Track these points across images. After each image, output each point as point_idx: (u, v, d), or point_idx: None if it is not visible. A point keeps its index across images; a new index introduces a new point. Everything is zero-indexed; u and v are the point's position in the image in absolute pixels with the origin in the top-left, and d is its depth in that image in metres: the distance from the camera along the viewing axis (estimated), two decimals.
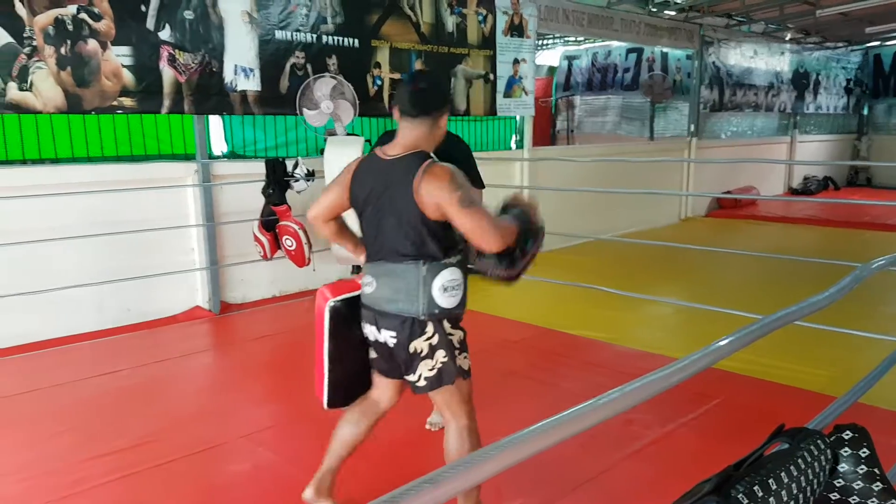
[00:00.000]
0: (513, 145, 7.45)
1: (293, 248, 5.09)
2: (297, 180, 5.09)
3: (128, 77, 4.35)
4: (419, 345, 2.18)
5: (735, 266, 6.63)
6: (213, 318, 5.11)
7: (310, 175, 5.13)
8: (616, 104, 11.47)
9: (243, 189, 5.18)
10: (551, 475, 2.75)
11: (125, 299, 4.74)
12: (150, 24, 4.38)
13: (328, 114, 5.17)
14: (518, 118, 7.31)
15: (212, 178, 5.13)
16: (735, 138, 11.20)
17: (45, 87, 4.04)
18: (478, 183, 2.85)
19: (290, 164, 5.13)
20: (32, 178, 4.36)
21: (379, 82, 5.66)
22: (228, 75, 4.80)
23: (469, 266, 2.25)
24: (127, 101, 4.39)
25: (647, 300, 5.03)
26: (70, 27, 4.06)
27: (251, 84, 4.92)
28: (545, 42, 11.86)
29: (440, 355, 2.18)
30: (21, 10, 3.89)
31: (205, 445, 3.07)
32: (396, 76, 5.74)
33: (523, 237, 2.21)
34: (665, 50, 10.11)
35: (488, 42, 6.54)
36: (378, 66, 5.63)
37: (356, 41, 5.45)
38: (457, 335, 2.25)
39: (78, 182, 4.42)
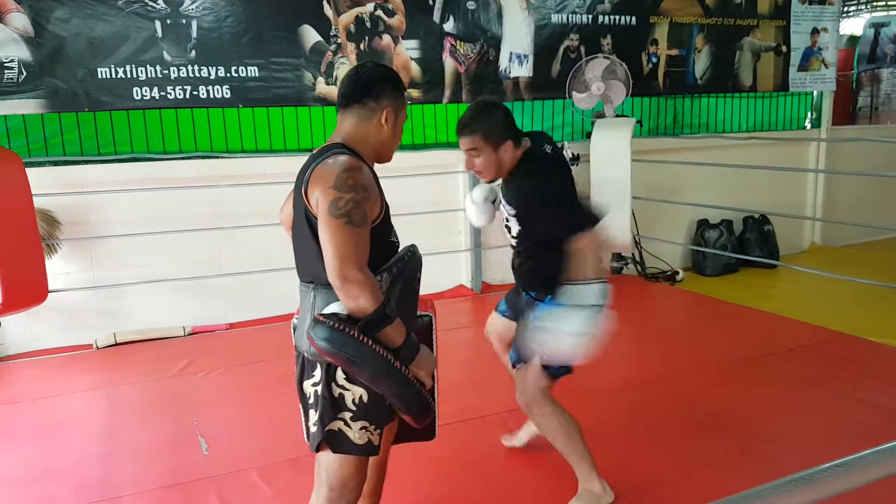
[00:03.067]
0: (807, 124, 6.62)
1: None
2: None
3: (415, 69, 4.68)
4: (307, 388, 1.75)
5: None
6: (474, 297, 5.34)
7: (574, 159, 5.06)
8: None
9: None
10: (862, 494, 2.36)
11: None
12: (437, 16, 4.66)
13: (598, 95, 5.05)
14: (815, 94, 6.47)
15: None
16: None
17: None
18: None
19: None
20: None
21: (654, 60, 5.40)
22: (503, 63, 4.92)
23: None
24: (414, 93, 4.72)
25: None
26: (368, 24, 4.48)
27: (524, 70, 5.00)
28: (847, 9, 10.38)
29: (315, 414, 1.71)
30: (328, 11, 4.38)
31: (474, 414, 3.19)
32: (674, 52, 5.43)
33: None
34: None
35: (781, 11, 5.89)
36: (655, 42, 5.37)
37: (633, 18, 5.26)
38: (353, 392, 1.68)
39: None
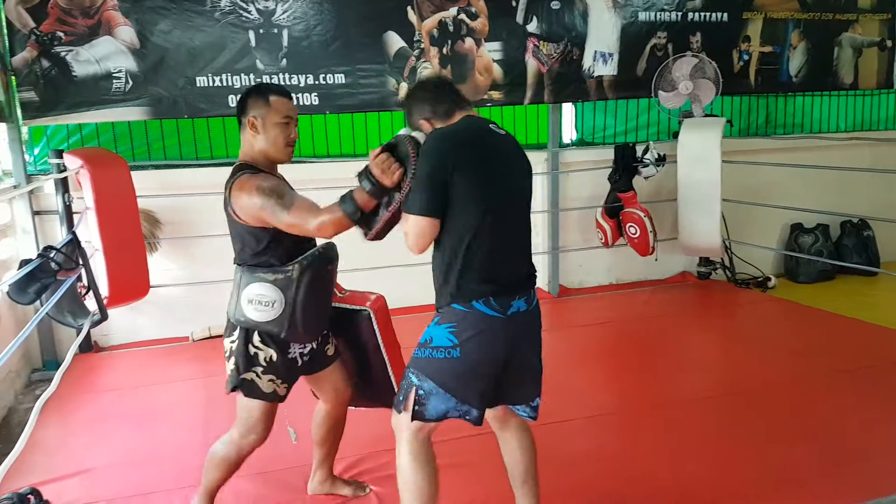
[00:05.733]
0: None
1: (637, 235, 4.99)
2: (645, 165, 4.96)
3: (497, 71, 4.69)
4: (226, 344, 2.21)
5: None
6: (551, 300, 5.30)
7: (660, 160, 4.95)
8: None
9: (588, 176, 5.25)
10: None
11: None
12: (520, 17, 4.66)
13: (685, 95, 4.92)
14: None
15: (560, 166, 5.28)
16: None
17: None
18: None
19: (639, 150, 5.02)
20: None
21: (746, 57, 5.21)
22: (587, 62, 4.87)
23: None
24: (495, 94, 4.74)
25: None
26: (451, 28, 4.53)
27: (608, 69, 4.93)
28: None
29: (231, 364, 2.17)
30: (412, 16, 4.46)
31: (553, 419, 3.16)
32: (768, 49, 5.23)
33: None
34: None
35: (885, 4, 5.58)
36: (747, 39, 5.18)
37: (725, 15, 5.09)
38: (265, 353, 2.15)
39: None
